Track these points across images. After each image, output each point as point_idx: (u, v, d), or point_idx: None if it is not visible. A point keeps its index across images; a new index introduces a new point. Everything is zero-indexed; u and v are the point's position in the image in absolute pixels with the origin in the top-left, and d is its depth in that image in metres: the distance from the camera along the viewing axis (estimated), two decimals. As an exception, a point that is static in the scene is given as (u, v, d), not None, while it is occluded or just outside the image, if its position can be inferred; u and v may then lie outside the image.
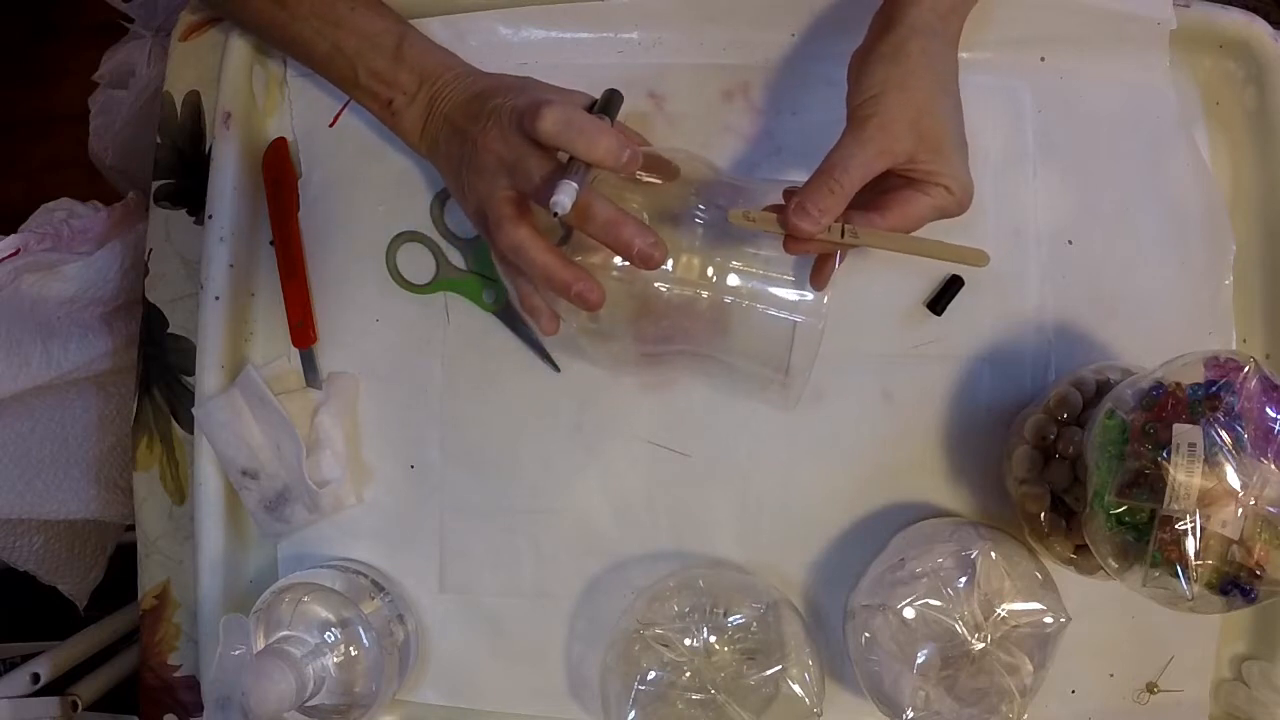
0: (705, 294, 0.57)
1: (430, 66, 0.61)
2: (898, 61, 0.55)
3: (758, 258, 0.57)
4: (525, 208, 0.55)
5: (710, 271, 0.57)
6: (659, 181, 0.58)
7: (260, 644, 0.60)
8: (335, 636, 0.61)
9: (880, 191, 0.55)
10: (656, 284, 0.56)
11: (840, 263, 0.57)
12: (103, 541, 0.97)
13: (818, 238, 0.53)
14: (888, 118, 0.53)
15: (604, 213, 0.52)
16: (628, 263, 0.53)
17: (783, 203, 0.54)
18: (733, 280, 0.57)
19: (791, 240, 0.53)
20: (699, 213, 0.57)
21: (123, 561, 0.92)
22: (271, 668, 0.56)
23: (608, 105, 0.58)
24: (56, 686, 0.86)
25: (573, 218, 0.51)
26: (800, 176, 0.54)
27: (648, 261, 0.52)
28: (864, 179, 0.53)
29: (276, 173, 0.70)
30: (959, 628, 0.57)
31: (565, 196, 0.50)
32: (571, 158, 0.52)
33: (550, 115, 0.51)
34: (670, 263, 0.56)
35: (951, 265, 0.66)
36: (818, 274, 0.56)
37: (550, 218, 0.51)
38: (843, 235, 0.53)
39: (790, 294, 0.57)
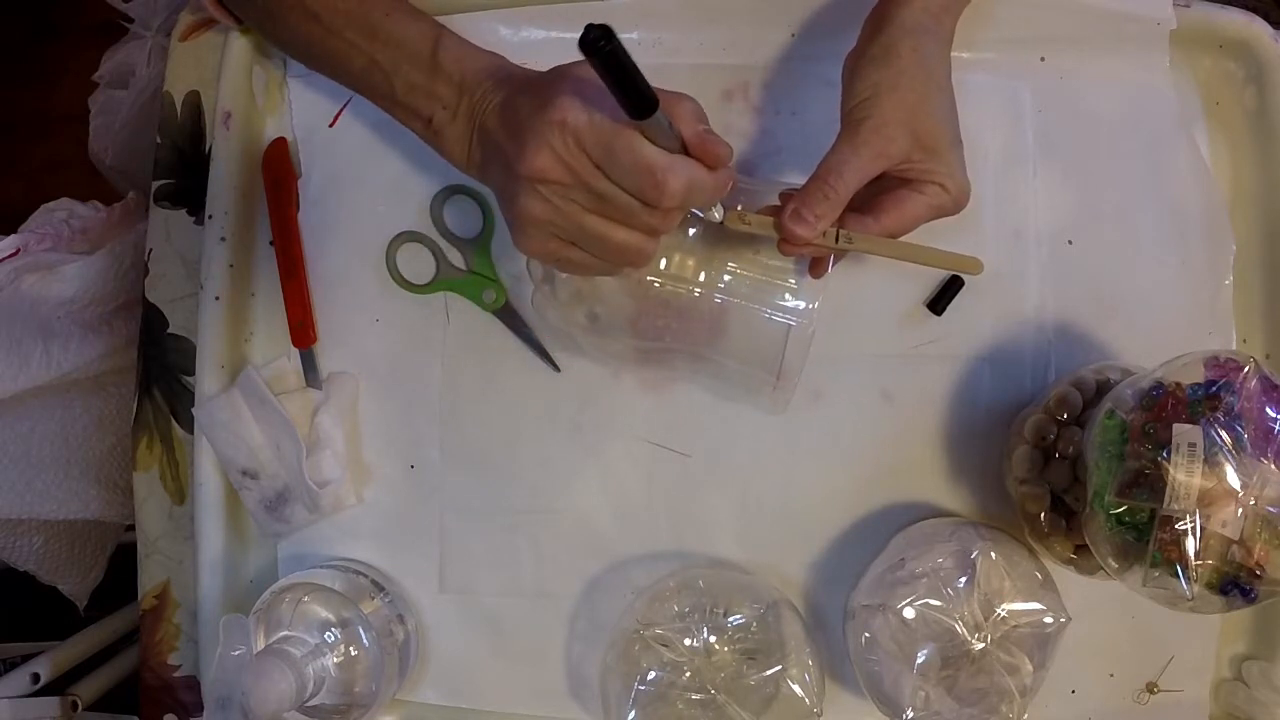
0: (700, 292, 0.57)
1: (470, 73, 0.54)
2: (889, 63, 0.55)
3: (756, 259, 0.57)
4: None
5: (705, 271, 0.57)
6: None
7: (260, 644, 0.60)
8: (335, 636, 0.61)
9: (877, 192, 0.55)
10: (652, 281, 0.56)
11: (835, 264, 0.57)
12: (103, 541, 0.97)
13: (813, 242, 0.53)
14: (881, 120, 0.53)
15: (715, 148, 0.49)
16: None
17: (779, 204, 0.54)
18: (727, 280, 0.57)
19: (786, 243, 0.53)
20: (696, 211, 0.57)
21: (123, 561, 0.92)
22: (271, 668, 0.56)
23: (636, 88, 0.43)
24: (56, 686, 0.86)
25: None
26: (800, 177, 0.54)
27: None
28: (859, 183, 0.53)
29: (276, 173, 0.70)
30: (959, 628, 0.57)
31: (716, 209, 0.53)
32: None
33: (680, 187, 0.46)
34: (665, 261, 0.56)
35: (951, 265, 0.66)
36: (817, 263, 0.56)
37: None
38: (837, 240, 0.53)
39: (784, 296, 0.57)
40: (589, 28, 0.40)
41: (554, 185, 0.48)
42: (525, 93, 0.51)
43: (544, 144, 0.47)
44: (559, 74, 0.50)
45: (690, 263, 0.57)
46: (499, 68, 0.55)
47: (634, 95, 0.43)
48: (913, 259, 0.56)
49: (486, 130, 0.53)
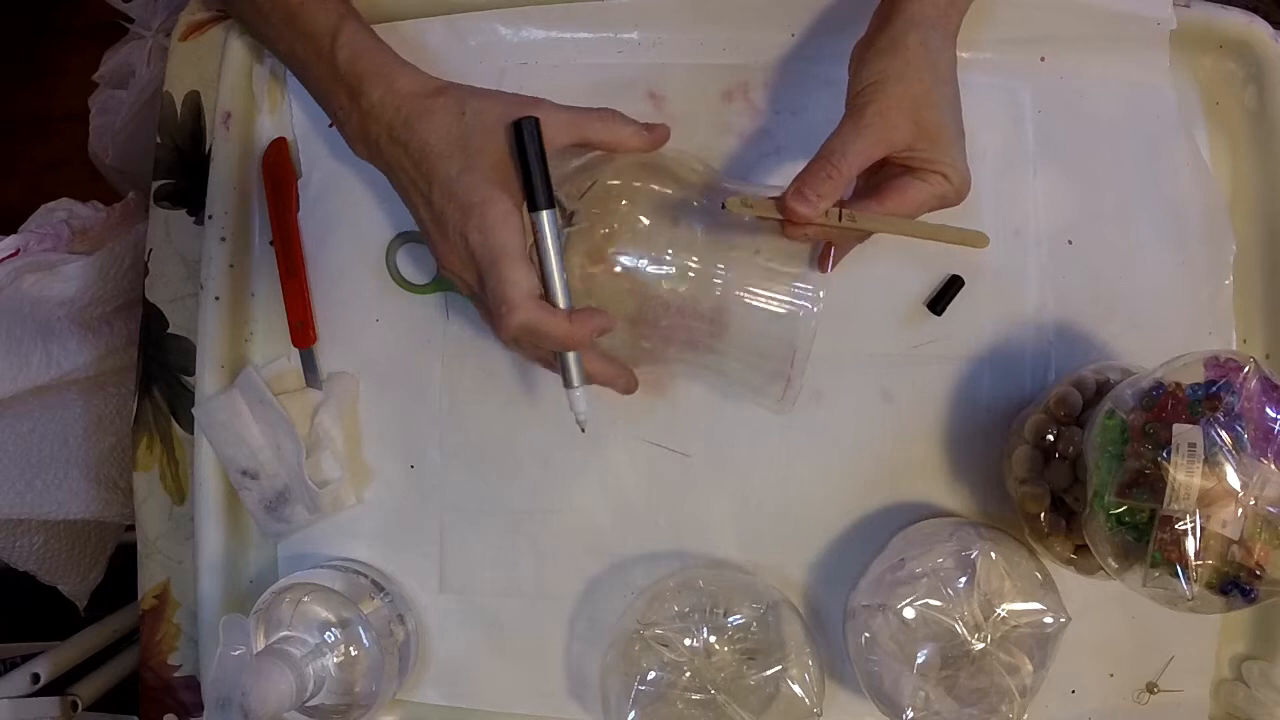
0: (703, 291, 0.57)
1: (364, 75, 0.55)
2: (896, 53, 0.55)
3: (756, 256, 0.57)
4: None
5: (708, 269, 0.57)
6: (667, 191, 0.58)
7: (260, 644, 0.60)
8: (335, 636, 0.61)
9: (879, 181, 0.55)
10: (656, 281, 0.56)
11: (840, 256, 0.57)
12: (103, 541, 0.97)
13: (816, 222, 0.53)
14: (885, 106, 0.54)
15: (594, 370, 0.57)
16: (628, 262, 0.53)
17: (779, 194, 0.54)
18: (731, 278, 0.57)
19: (790, 225, 0.53)
20: (699, 210, 0.57)
21: (123, 561, 0.92)
22: (271, 668, 0.56)
23: (531, 166, 0.53)
24: (56, 686, 0.86)
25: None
26: (800, 177, 0.54)
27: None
28: (862, 165, 0.53)
29: (276, 173, 0.70)
30: (959, 628, 0.57)
31: (582, 402, 0.56)
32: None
33: (513, 325, 0.52)
34: (670, 258, 0.56)
35: (951, 264, 0.66)
36: (821, 259, 0.57)
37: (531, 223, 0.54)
38: (840, 219, 0.53)
39: (787, 293, 0.57)
40: (523, 119, 0.52)
41: (454, 272, 0.56)
42: (442, 157, 0.54)
43: (448, 248, 0.55)
44: (474, 151, 0.54)
45: (694, 260, 0.56)
46: (386, 71, 0.56)
47: (531, 185, 0.53)
48: (917, 234, 0.55)
49: (384, 155, 0.56)
